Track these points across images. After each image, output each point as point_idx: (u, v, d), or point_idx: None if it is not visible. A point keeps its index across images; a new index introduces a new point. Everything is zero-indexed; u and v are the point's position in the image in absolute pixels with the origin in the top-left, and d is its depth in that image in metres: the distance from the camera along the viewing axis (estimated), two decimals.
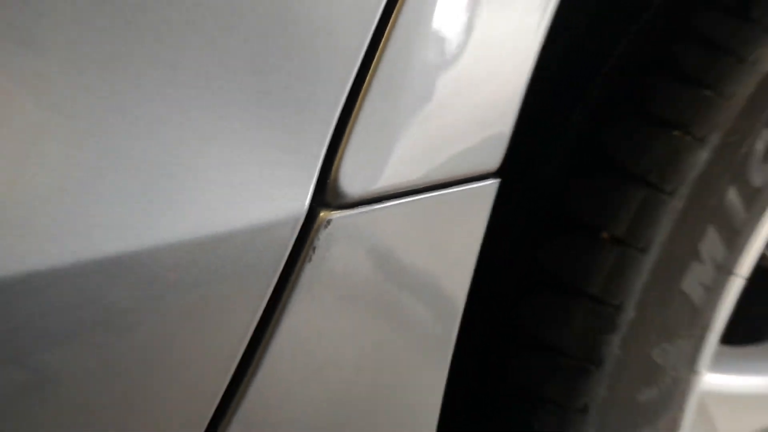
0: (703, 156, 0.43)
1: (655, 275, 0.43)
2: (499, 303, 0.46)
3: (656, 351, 0.44)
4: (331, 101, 0.30)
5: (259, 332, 0.33)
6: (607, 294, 0.43)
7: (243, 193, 0.29)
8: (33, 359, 0.30)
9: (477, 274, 0.41)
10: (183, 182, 0.30)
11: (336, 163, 0.30)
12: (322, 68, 0.31)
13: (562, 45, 0.51)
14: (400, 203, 0.32)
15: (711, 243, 0.44)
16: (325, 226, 0.30)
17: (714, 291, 0.45)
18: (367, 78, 0.32)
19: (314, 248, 0.30)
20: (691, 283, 0.44)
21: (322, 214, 0.30)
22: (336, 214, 0.30)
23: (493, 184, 0.36)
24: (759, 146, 0.44)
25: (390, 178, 0.32)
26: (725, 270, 0.45)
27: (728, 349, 0.59)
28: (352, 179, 0.30)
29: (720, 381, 0.52)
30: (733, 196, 0.44)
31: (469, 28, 0.35)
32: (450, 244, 0.38)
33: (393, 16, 0.33)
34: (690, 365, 0.48)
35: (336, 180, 0.30)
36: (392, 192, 0.32)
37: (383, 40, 0.32)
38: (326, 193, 0.30)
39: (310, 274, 0.32)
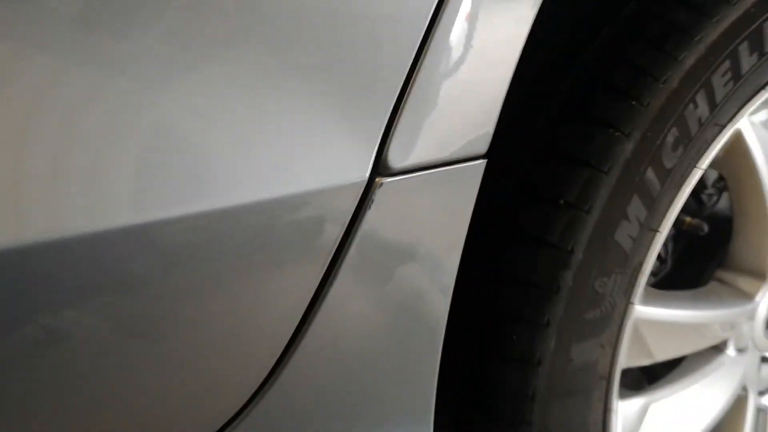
0: (629, 146, 0.61)
1: (596, 229, 0.62)
2: (487, 249, 0.64)
3: (597, 283, 0.63)
4: (389, 97, 0.48)
5: (330, 267, 0.51)
6: (563, 242, 0.61)
7: (324, 163, 0.47)
8: (123, 311, 0.44)
9: (471, 229, 0.59)
10: (276, 152, 0.46)
11: (387, 143, 0.47)
12: (385, 68, 0.47)
13: (534, 66, 0.69)
14: (423, 174, 0.50)
15: (635, 207, 0.63)
16: (378, 188, 0.48)
17: (638, 241, 0.64)
18: (412, 79, 0.49)
19: (372, 202, 0.48)
20: (622, 235, 0.63)
21: (376, 180, 0.48)
22: (385, 180, 0.48)
23: (482, 162, 0.54)
24: (669, 140, 0.63)
25: (417, 156, 0.50)
26: (646, 227, 0.64)
27: (660, 292, 0.78)
28: (395, 155, 0.48)
29: (650, 312, 0.70)
30: (650, 174, 0.63)
31: (470, 46, 0.53)
32: (455, 204, 0.56)
33: (432, 31, 0.50)
34: (625, 296, 0.66)
35: (386, 155, 0.48)
36: (419, 166, 0.50)
37: (423, 53, 0.50)
38: (379, 165, 0.48)
39: (368, 222, 0.49)
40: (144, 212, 0.44)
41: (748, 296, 0.82)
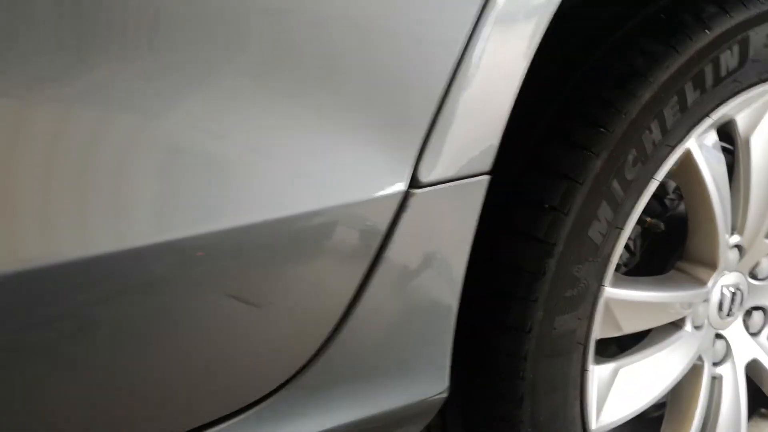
0: (598, 163, 0.79)
1: (573, 227, 0.80)
2: (489, 244, 0.82)
3: (575, 268, 0.81)
4: (425, 120, 0.64)
5: (375, 260, 0.67)
6: (547, 237, 0.79)
7: (374, 177, 0.64)
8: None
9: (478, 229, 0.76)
10: (325, 169, 0.63)
11: (420, 160, 0.65)
12: (424, 94, 0.63)
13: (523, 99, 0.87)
14: (443, 187, 0.68)
15: (604, 210, 0.81)
16: (412, 198, 0.66)
17: (606, 237, 0.82)
18: (443, 104, 0.66)
19: (406, 209, 0.66)
20: (593, 232, 0.81)
21: (410, 191, 0.66)
22: (417, 192, 0.66)
23: (486, 178, 0.72)
24: (629, 158, 0.81)
25: (439, 171, 0.67)
26: (612, 225, 0.82)
27: (628, 278, 0.96)
28: (424, 170, 0.66)
29: (618, 293, 0.88)
30: (615, 184, 0.81)
31: (490, 76, 0.69)
32: (464, 211, 0.74)
33: (461, 62, 0.65)
34: (596, 279, 0.84)
35: (418, 170, 0.65)
36: (440, 180, 0.68)
37: (454, 80, 0.66)
38: (413, 179, 0.65)
39: (403, 225, 0.67)
40: (236, 218, 0.60)
41: (702, 282, 0.99)
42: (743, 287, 1.04)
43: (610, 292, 0.86)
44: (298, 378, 0.65)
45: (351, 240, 0.66)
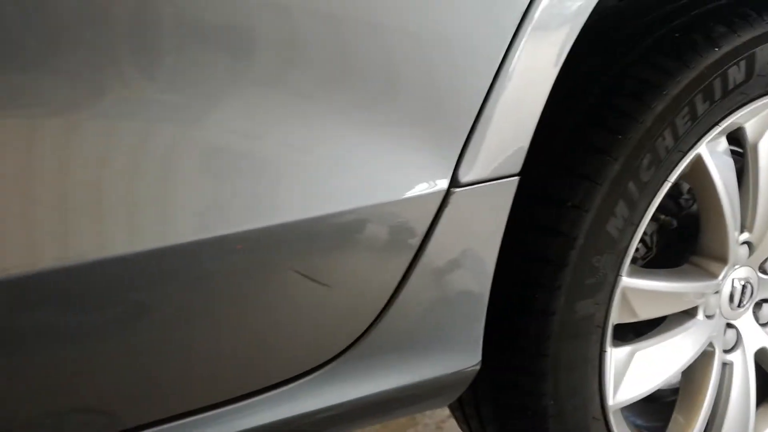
0: (617, 167, 0.90)
1: (593, 222, 0.90)
2: (517, 240, 0.92)
3: (594, 259, 0.91)
4: (467, 123, 0.74)
5: (419, 250, 0.78)
6: (570, 231, 0.90)
7: (418, 179, 0.75)
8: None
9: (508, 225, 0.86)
10: (382, 170, 0.74)
11: (460, 161, 0.75)
12: (467, 99, 0.73)
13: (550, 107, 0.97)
14: (478, 186, 0.79)
15: (621, 208, 0.91)
16: (452, 196, 0.77)
17: (623, 232, 0.92)
18: (484, 109, 0.76)
19: (447, 206, 0.77)
20: (611, 227, 0.91)
21: (451, 190, 0.77)
22: (456, 190, 0.77)
23: (516, 179, 0.83)
24: (644, 162, 0.91)
25: (475, 172, 0.77)
26: (629, 222, 0.92)
27: (643, 269, 1.06)
28: (463, 171, 0.76)
29: (633, 282, 0.98)
30: (632, 186, 0.91)
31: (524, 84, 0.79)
32: (496, 208, 0.84)
33: (502, 70, 0.74)
34: (614, 270, 0.95)
35: (458, 171, 0.76)
36: (476, 180, 0.78)
37: (493, 86, 0.75)
38: (453, 178, 0.76)
39: (444, 219, 0.77)
40: (309, 211, 0.71)
41: (713, 275, 1.09)
42: (753, 281, 1.13)
43: (627, 281, 0.96)
44: (354, 347, 0.76)
45: (399, 232, 0.77)
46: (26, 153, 0.59)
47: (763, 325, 1.21)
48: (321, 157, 0.69)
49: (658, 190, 0.94)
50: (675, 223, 1.07)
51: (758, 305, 1.19)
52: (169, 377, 0.69)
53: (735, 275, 1.10)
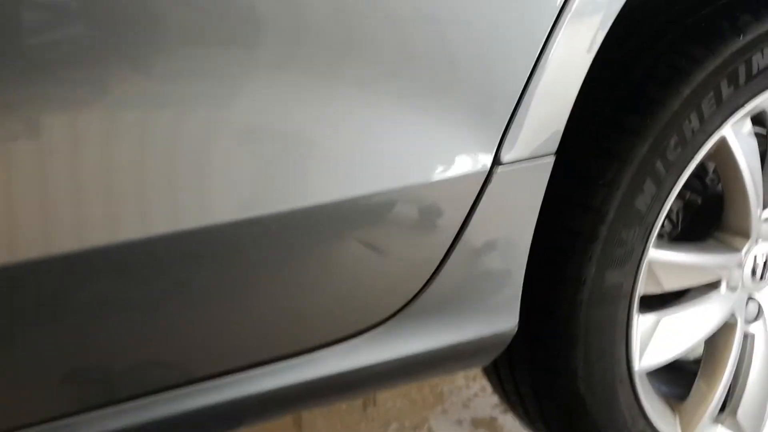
0: (645, 147, 0.97)
1: (622, 198, 0.97)
2: (552, 215, 1.00)
3: (623, 232, 0.99)
4: (509, 106, 0.81)
5: (464, 223, 0.86)
6: (602, 206, 0.97)
7: (466, 157, 0.83)
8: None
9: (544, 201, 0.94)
10: (432, 150, 0.82)
11: (503, 141, 0.83)
12: (510, 83, 0.80)
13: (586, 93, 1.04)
14: (520, 165, 0.86)
15: (648, 186, 0.98)
16: (495, 174, 0.85)
17: (650, 207, 0.99)
18: (526, 92, 0.83)
19: (489, 183, 0.84)
20: (639, 203, 0.98)
21: (494, 168, 0.84)
22: (498, 169, 0.85)
23: (552, 158, 0.90)
24: (671, 143, 0.98)
25: (515, 152, 0.85)
26: (656, 198, 0.99)
27: (668, 243, 1.13)
28: (505, 150, 0.84)
29: (659, 254, 1.06)
30: (659, 165, 0.98)
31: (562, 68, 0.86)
32: (534, 186, 0.92)
33: (542, 55, 0.81)
34: (641, 243, 1.02)
35: (500, 151, 0.84)
36: (516, 159, 0.86)
37: (535, 71, 0.82)
38: (495, 157, 0.84)
39: (486, 196, 0.85)
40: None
41: (736, 249, 1.16)
42: None
43: (653, 253, 1.04)
44: (407, 308, 0.85)
45: (447, 207, 0.85)
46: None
47: None
48: (386, 140, 0.78)
49: (684, 168, 1.01)
50: (700, 201, 1.13)
51: None
52: (253, 330, 0.79)
53: (757, 250, 1.17)
